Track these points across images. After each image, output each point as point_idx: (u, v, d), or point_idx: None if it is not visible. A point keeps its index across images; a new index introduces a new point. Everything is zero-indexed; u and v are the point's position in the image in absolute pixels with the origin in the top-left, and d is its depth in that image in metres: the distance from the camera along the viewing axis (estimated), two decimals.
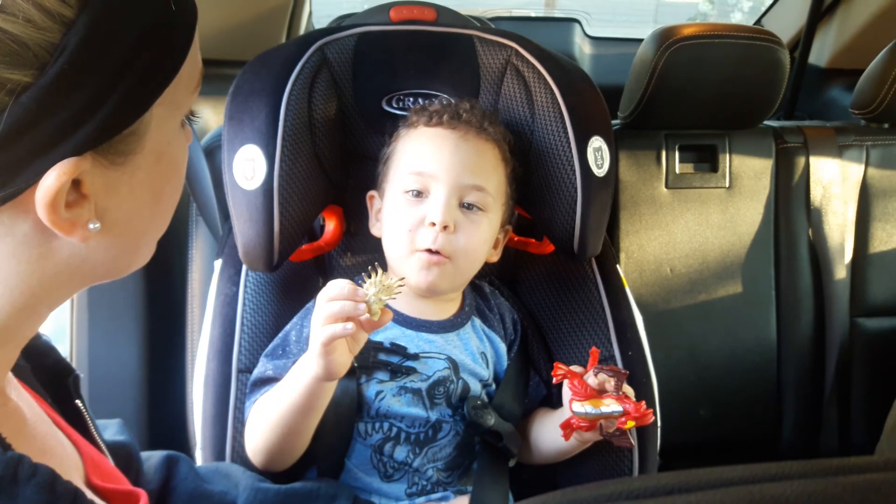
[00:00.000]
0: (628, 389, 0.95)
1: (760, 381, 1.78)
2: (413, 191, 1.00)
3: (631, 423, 0.90)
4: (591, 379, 0.94)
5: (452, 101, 1.09)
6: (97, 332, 1.28)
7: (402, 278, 0.85)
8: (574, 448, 1.01)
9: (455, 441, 1.02)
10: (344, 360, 0.85)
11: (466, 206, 1.01)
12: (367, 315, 0.82)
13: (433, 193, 0.99)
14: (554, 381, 0.96)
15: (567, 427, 0.94)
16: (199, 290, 1.25)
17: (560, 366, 0.96)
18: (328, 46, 1.14)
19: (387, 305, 0.88)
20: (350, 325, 0.81)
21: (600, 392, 0.93)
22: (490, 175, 1.03)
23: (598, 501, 0.37)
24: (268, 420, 0.92)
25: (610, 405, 0.91)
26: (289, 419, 0.90)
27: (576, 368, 0.96)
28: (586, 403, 0.91)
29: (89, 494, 0.52)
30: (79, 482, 0.54)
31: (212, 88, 1.69)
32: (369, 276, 0.84)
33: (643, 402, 0.91)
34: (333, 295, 0.83)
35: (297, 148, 1.06)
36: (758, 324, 1.77)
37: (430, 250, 0.98)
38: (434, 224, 0.97)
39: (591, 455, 1.06)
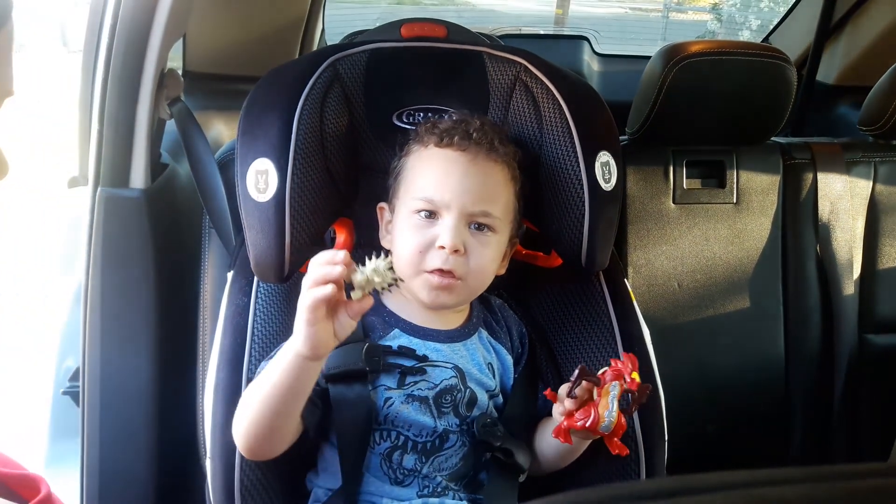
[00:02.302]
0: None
1: (768, 396, 1.77)
2: (424, 212, 1.02)
3: (635, 375, 0.92)
4: (578, 390, 0.95)
5: (463, 119, 1.10)
6: (109, 342, 1.28)
7: (397, 279, 0.88)
8: (576, 450, 1.02)
9: (461, 451, 1.02)
10: (327, 338, 0.86)
11: (476, 227, 1.02)
12: (353, 290, 0.85)
13: (443, 218, 1.01)
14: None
15: (559, 433, 0.96)
16: (212, 301, 1.26)
17: (549, 394, 1.00)
18: (340, 62, 1.15)
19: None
20: (330, 287, 0.82)
21: (591, 398, 0.95)
22: (498, 198, 1.04)
23: (601, 503, 0.38)
24: (253, 402, 0.92)
25: (606, 397, 0.92)
26: (272, 400, 0.90)
27: (562, 391, 0.98)
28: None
29: None
30: None
31: (225, 103, 1.73)
32: (372, 258, 0.87)
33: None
34: (322, 260, 0.85)
35: (309, 161, 1.08)
36: (766, 339, 1.76)
37: (441, 270, 1.00)
38: (444, 248, 0.99)
39: (599, 472, 1.06)
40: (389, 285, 0.88)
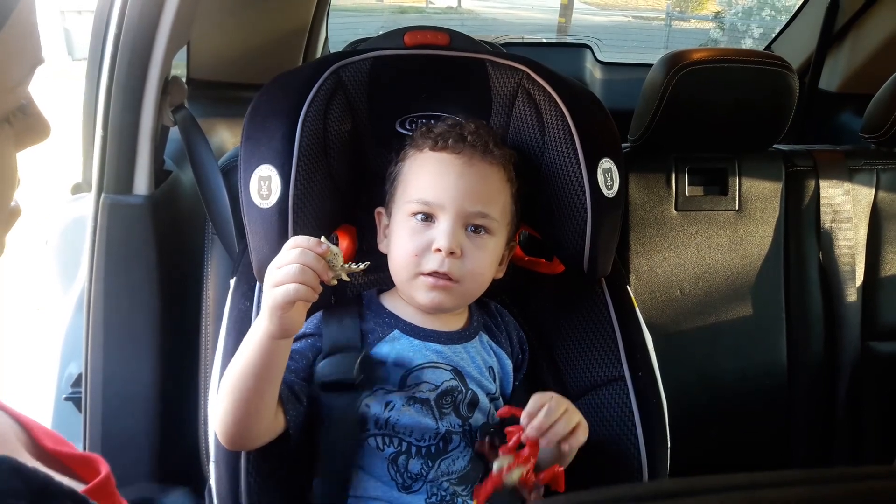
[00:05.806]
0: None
1: (771, 403, 1.77)
2: (420, 215, 1.03)
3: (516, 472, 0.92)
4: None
5: (458, 123, 1.10)
6: (112, 348, 1.29)
7: (365, 265, 0.88)
8: (566, 456, 1.01)
9: (468, 453, 1.02)
10: (299, 319, 0.86)
11: (473, 230, 1.03)
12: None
13: (439, 221, 1.02)
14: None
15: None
16: (214, 307, 1.27)
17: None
18: (344, 69, 1.16)
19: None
20: (304, 289, 0.82)
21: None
22: (495, 200, 1.05)
23: None
24: (227, 385, 0.91)
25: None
26: (246, 380, 0.89)
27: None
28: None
29: (26, 459, 0.52)
30: (15, 446, 0.53)
31: (229, 110, 1.74)
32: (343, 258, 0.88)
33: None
34: (299, 243, 0.84)
35: (312, 168, 1.08)
36: (768, 346, 1.76)
37: (437, 273, 1.00)
38: (440, 250, 1.00)
39: (601, 478, 1.06)
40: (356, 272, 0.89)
